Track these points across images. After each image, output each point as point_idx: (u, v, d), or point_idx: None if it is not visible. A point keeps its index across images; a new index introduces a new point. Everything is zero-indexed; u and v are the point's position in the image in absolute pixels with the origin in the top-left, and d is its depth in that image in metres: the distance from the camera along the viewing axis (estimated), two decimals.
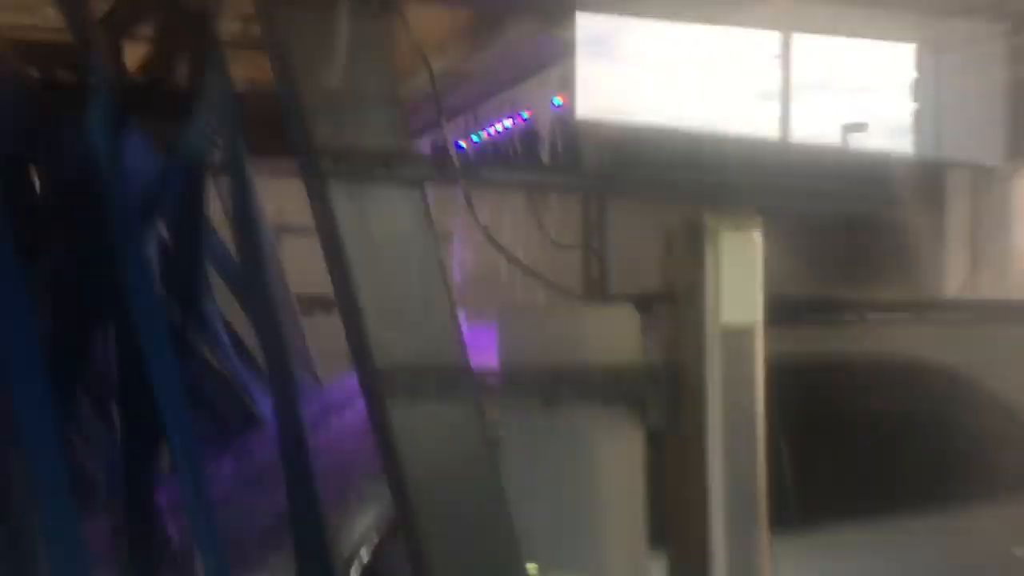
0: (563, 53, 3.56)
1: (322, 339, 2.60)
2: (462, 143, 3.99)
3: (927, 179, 5.47)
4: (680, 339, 1.71)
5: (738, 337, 1.68)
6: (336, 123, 1.49)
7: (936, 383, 2.74)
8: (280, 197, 2.45)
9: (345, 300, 1.54)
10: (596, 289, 6.16)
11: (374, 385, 1.52)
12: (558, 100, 4.54)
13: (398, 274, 1.53)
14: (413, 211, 1.54)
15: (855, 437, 2.61)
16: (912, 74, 6.26)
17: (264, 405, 2.31)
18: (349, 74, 1.49)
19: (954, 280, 5.51)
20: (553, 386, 1.66)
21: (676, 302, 1.72)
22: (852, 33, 5.72)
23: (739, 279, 1.66)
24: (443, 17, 2.03)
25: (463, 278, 4.25)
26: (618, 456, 1.73)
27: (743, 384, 1.68)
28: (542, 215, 6.09)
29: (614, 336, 1.75)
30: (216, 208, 2.22)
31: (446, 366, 1.55)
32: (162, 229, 2.15)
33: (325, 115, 1.48)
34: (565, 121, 4.47)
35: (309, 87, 1.47)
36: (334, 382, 2.60)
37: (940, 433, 2.70)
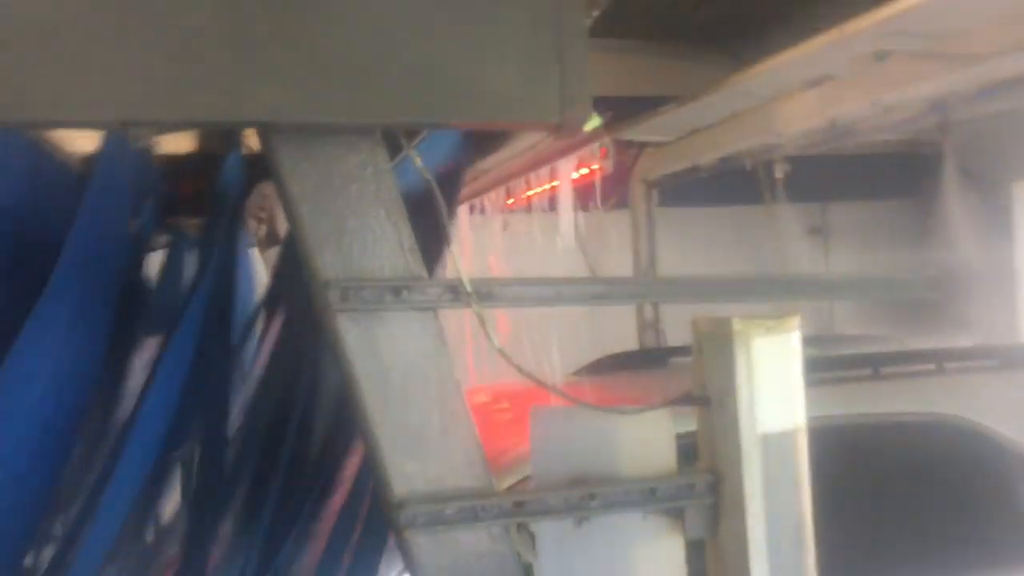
0: None
1: None
2: None
3: None
4: (716, 446, 1.64)
5: (778, 443, 1.60)
6: (343, 253, 1.46)
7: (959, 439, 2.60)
8: None
9: (361, 431, 1.50)
10: (650, 332, 6.12)
11: (394, 517, 1.48)
12: None
13: (413, 401, 1.49)
14: (426, 336, 1.50)
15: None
16: None
17: None
18: (353, 205, 1.46)
19: None
20: (588, 505, 1.60)
21: (709, 406, 1.65)
22: None
23: (774, 385, 1.59)
24: None
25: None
26: (655, 567, 1.66)
27: (786, 491, 1.61)
28: (596, 258, 6.02)
29: (648, 442, 1.68)
30: None
31: (468, 492, 1.50)
32: None
33: (329, 249, 1.46)
34: None
35: (310, 223, 1.44)
36: None
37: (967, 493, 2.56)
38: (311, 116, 1.39)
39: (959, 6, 2.91)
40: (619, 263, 6.24)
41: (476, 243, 4.40)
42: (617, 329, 6.08)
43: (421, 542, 1.49)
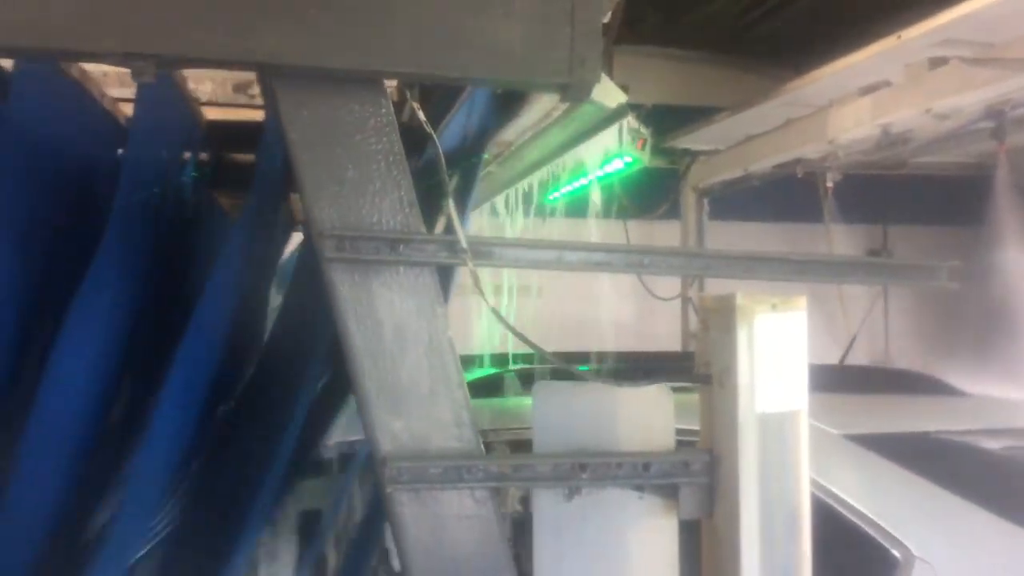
0: None
1: None
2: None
3: None
4: (714, 425, 1.60)
5: (778, 425, 1.55)
6: (340, 204, 1.46)
7: None
8: None
9: (352, 384, 1.50)
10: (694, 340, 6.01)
11: (379, 472, 1.46)
12: None
13: (404, 358, 1.48)
14: (421, 292, 1.49)
15: None
16: None
17: None
18: (355, 156, 1.46)
19: None
20: (579, 476, 1.56)
21: (711, 385, 1.61)
22: None
23: (776, 364, 1.54)
24: None
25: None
26: (648, 546, 1.62)
27: (783, 476, 1.55)
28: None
29: (648, 419, 1.65)
30: None
31: (454, 453, 1.48)
32: None
33: (329, 196, 1.45)
34: None
35: (311, 170, 1.44)
36: None
37: None
38: (314, 61, 1.39)
39: (1015, 13, 2.82)
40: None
41: None
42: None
43: (404, 499, 1.48)
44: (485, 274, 1.53)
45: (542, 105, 1.71)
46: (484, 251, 1.50)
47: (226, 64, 1.38)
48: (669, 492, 1.61)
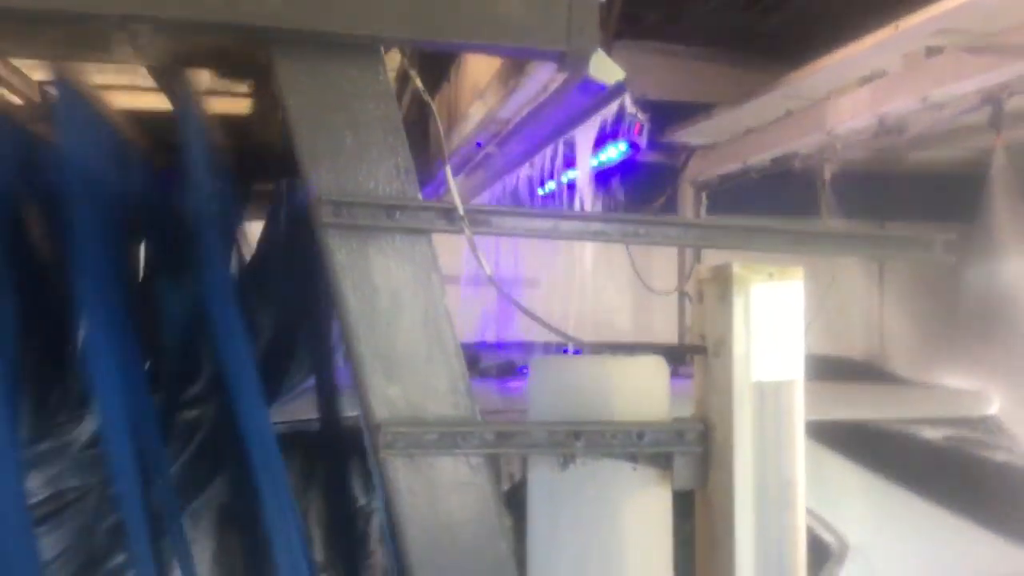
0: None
1: None
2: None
3: None
4: (709, 395, 1.60)
5: (773, 393, 1.56)
6: (338, 171, 1.46)
7: None
8: None
9: (347, 350, 1.50)
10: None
11: (373, 438, 1.47)
12: None
13: (400, 325, 1.48)
14: (417, 260, 1.49)
15: None
16: None
17: None
18: (352, 123, 1.46)
19: None
20: (574, 444, 1.57)
21: (706, 355, 1.62)
22: None
23: (773, 333, 1.54)
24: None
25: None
26: (643, 517, 1.62)
27: (777, 446, 1.56)
28: (640, 260, 5.97)
29: (642, 388, 1.65)
30: None
31: (450, 420, 1.49)
32: None
33: (326, 162, 1.45)
34: None
35: (308, 136, 1.44)
36: None
37: None
38: (312, 24, 1.39)
39: (1011, 1, 2.83)
40: (664, 268, 6.18)
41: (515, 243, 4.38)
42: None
43: (399, 465, 1.48)
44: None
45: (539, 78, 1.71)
46: (481, 219, 1.51)
47: (226, 29, 1.38)
48: (663, 462, 1.61)
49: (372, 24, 1.41)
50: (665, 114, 5.41)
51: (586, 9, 1.47)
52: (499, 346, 3.90)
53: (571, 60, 1.49)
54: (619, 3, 4.90)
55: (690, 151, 5.91)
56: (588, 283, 5.00)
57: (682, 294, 5.77)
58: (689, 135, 5.65)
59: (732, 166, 5.44)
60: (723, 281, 1.54)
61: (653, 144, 5.36)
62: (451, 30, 1.45)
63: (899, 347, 6.96)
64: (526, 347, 3.16)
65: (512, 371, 3.28)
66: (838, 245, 1.63)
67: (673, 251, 6.25)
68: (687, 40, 6.12)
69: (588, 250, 5.51)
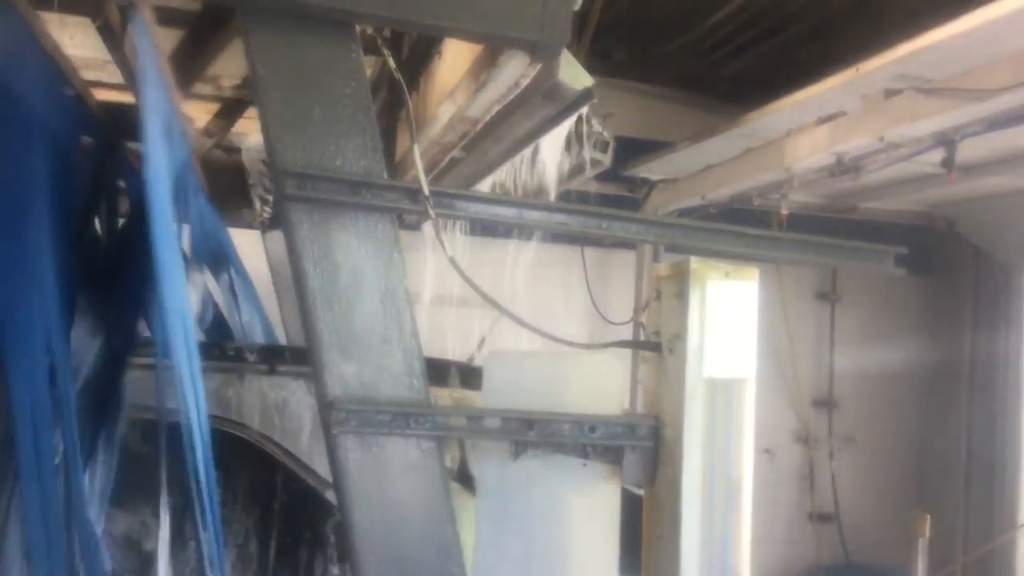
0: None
1: None
2: None
3: None
4: (661, 391, 1.62)
5: (725, 391, 1.57)
6: (304, 144, 1.46)
7: None
8: None
9: (304, 326, 1.49)
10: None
11: (325, 415, 1.45)
12: None
13: (358, 304, 1.48)
14: (380, 239, 1.49)
15: None
16: None
17: None
18: (322, 97, 1.47)
19: None
20: (526, 433, 1.57)
21: (660, 351, 1.63)
22: None
23: (726, 330, 1.57)
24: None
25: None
26: (591, 511, 1.62)
27: (726, 445, 1.57)
28: (598, 291, 5.96)
29: (595, 384, 1.66)
30: None
31: (403, 402, 1.48)
32: None
33: (293, 135, 1.45)
34: None
35: (277, 108, 1.45)
36: None
37: None
38: None
39: (966, 48, 2.93)
40: (620, 300, 6.21)
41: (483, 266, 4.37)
42: None
43: (349, 445, 1.46)
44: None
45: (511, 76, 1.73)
46: (445, 202, 1.51)
47: None
48: (613, 458, 1.61)
49: (348, 1, 1.43)
50: (628, 149, 5.49)
51: (560, 2, 1.49)
52: None
53: (543, 50, 1.51)
54: (588, 39, 5.00)
55: (651, 185, 5.98)
56: (546, 312, 5.01)
57: (637, 324, 5.81)
58: (650, 170, 5.73)
59: (691, 201, 5.51)
60: (680, 277, 1.56)
61: (615, 177, 5.43)
62: (426, 12, 1.47)
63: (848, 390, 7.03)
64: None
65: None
66: (794, 250, 1.66)
67: (630, 283, 6.30)
68: (654, 79, 6.24)
69: (548, 281, 5.53)
